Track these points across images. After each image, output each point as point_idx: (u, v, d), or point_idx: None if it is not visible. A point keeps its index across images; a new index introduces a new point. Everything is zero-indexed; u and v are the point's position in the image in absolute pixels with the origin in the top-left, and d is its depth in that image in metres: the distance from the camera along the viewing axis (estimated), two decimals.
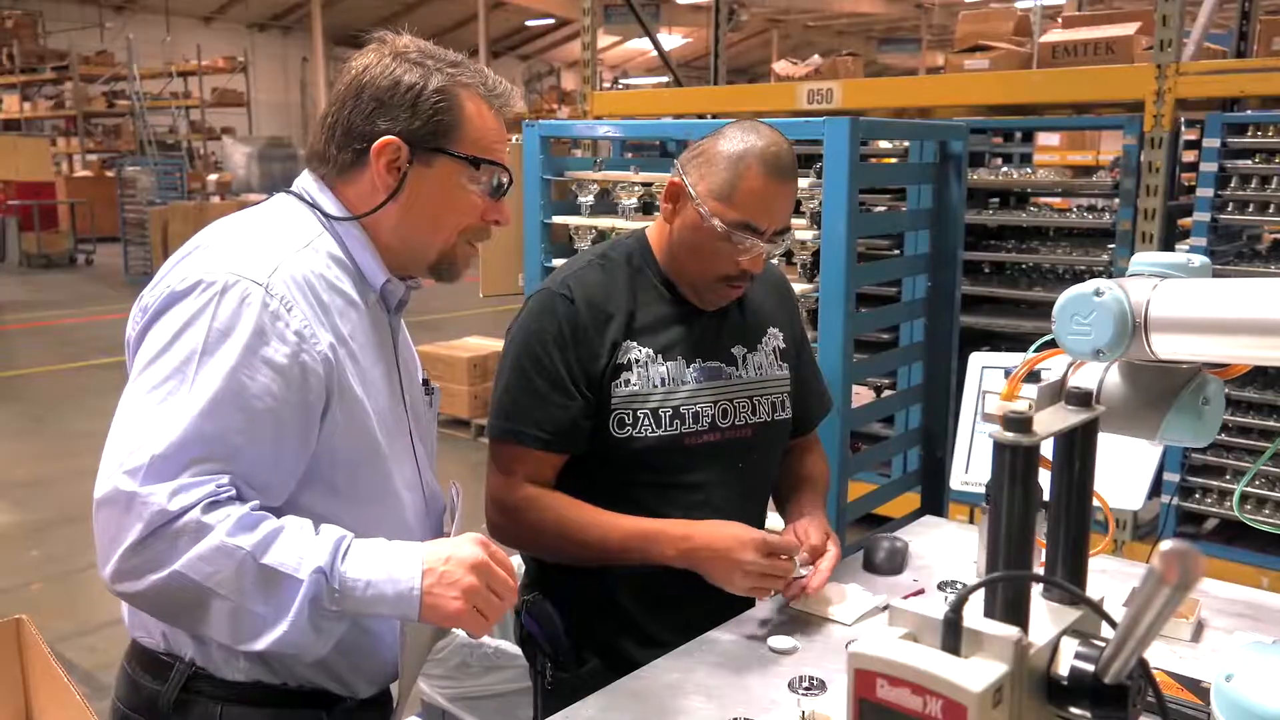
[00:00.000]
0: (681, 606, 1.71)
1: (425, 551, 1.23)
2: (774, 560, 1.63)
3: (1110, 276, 1.15)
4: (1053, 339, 1.20)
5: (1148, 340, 1.09)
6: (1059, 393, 1.11)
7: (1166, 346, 1.10)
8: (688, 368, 1.78)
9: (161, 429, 1.17)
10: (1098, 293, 1.10)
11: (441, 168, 1.36)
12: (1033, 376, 1.18)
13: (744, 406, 1.83)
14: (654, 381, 1.75)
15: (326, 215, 1.37)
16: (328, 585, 1.17)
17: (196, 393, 1.19)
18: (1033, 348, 1.23)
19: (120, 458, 1.19)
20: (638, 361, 1.74)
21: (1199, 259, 1.16)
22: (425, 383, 1.54)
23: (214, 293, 1.22)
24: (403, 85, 1.34)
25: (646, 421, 1.73)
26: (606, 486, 1.74)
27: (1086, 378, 1.19)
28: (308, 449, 1.27)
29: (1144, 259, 1.16)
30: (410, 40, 1.42)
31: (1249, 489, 3.82)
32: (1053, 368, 1.21)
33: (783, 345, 1.92)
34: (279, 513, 1.22)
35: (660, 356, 1.76)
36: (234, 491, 1.19)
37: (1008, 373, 1.20)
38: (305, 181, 1.41)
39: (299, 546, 1.18)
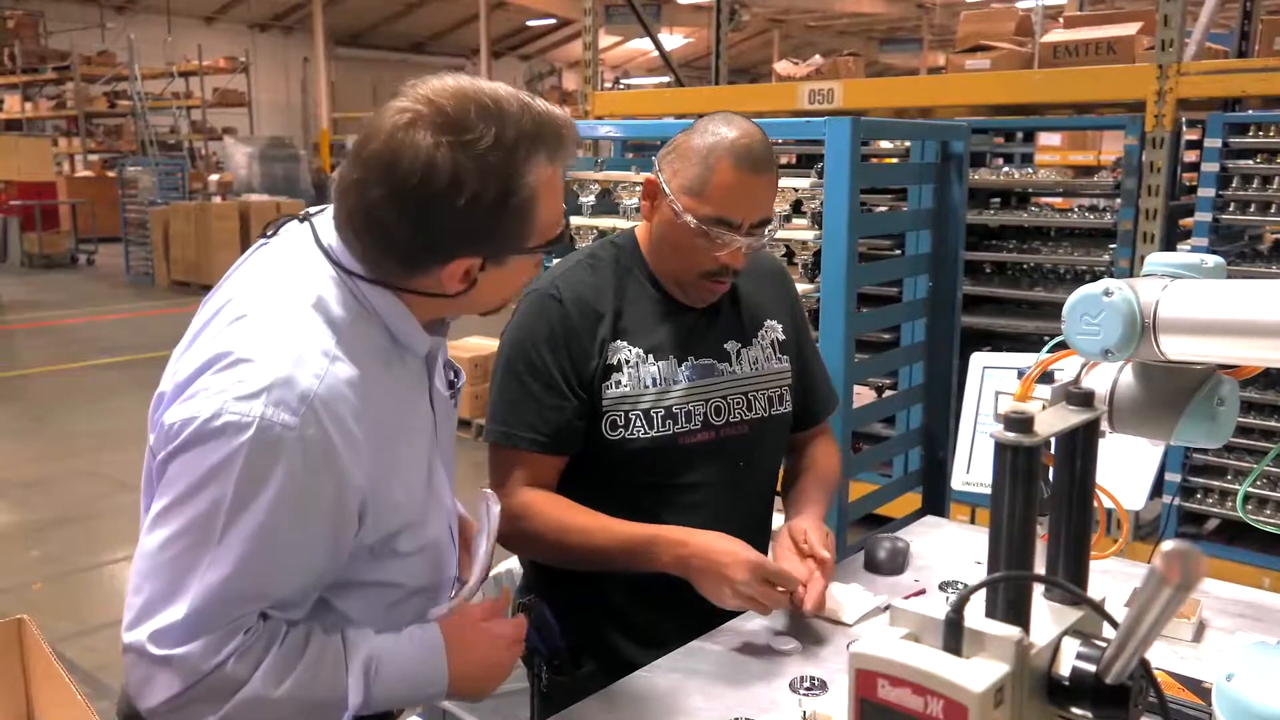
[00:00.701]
0: (679, 610, 1.70)
1: (455, 666, 1.29)
2: (766, 588, 1.57)
3: (1112, 277, 1.14)
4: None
5: (1156, 341, 1.09)
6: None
7: (1175, 348, 1.09)
8: (679, 367, 1.76)
9: (190, 590, 1.12)
10: (1107, 292, 1.10)
11: (514, 264, 1.26)
12: (1046, 377, 1.18)
13: (738, 403, 1.81)
14: (645, 382, 1.73)
15: (360, 277, 1.23)
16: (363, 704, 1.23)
17: (225, 552, 1.12)
18: (1046, 348, 1.23)
19: (147, 614, 1.13)
20: (627, 362, 1.73)
21: (1213, 259, 1.16)
22: (451, 384, 1.45)
23: (244, 441, 1.11)
24: (485, 200, 1.16)
25: (639, 423, 1.72)
26: (603, 490, 1.73)
27: (1100, 379, 1.19)
28: (338, 562, 1.23)
29: (1159, 259, 1.16)
30: (466, 105, 1.16)
31: (1252, 490, 3.82)
32: (1066, 368, 1.22)
33: (782, 337, 1.90)
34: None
35: (650, 356, 1.75)
36: (262, 621, 1.18)
37: (1021, 373, 1.19)
38: (333, 239, 1.24)
39: (332, 680, 1.21)
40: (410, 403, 1.30)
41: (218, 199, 13.75)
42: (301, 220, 1.31)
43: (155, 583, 1.13)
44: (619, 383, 1.72)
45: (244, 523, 1.12)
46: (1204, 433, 1.14)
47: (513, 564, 2.07)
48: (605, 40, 13.02)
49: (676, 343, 1.77)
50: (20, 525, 5.19)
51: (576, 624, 1.77)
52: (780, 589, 1.59)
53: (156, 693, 1.13)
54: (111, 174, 16.25)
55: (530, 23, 28.78)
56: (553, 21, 27.78)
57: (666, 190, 1.69)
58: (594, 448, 1.73)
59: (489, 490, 1.48)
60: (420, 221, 1.17)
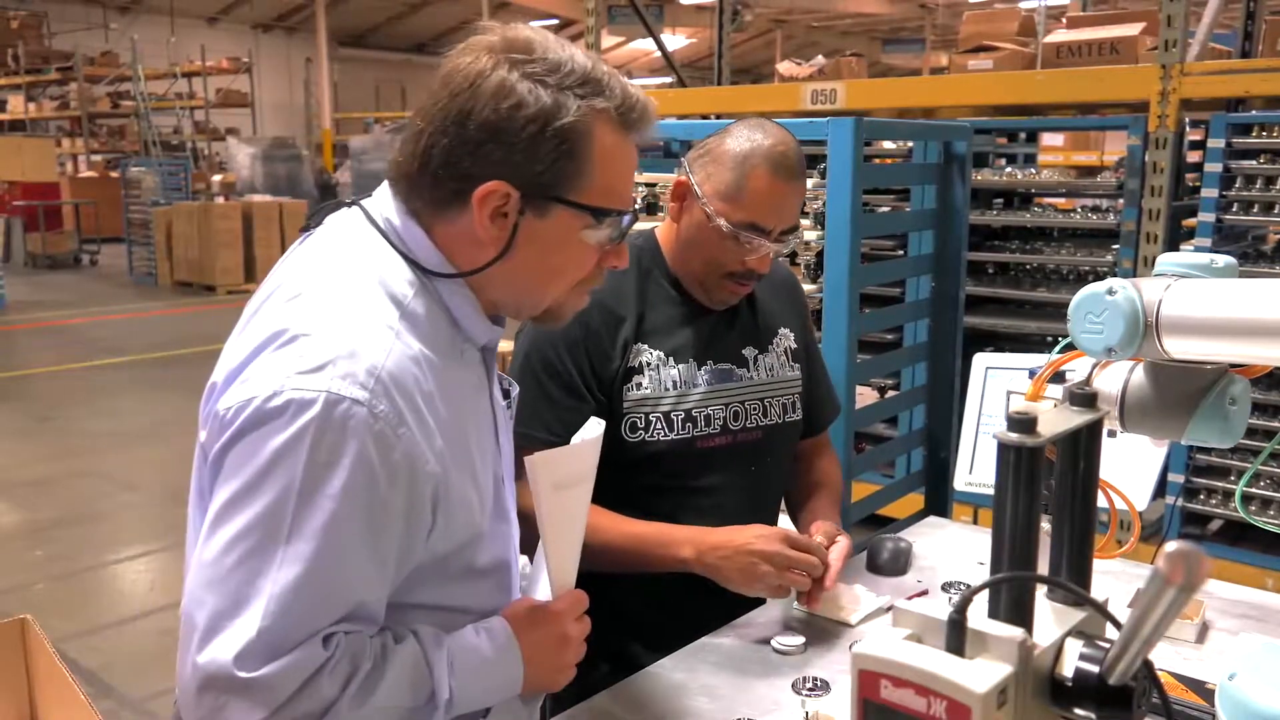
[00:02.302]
0: (690, 609, 1.71)
1: (527, 658, 1.21)
2: (801, 554, 1.60)
3: (1115, 277, 1.14)
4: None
5: (1160, 340, 1.09)
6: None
7: (1178, 347, 1.09)
8: (698, 370, 1.77)
9: (261, 599, 1.00)
10: (1110, 291, 1.10)
11: (558, 219, 1.14)
12: (1057, 378, 1.19)
13: (755, 409, 1.82)
14: (665, 385, 1.74)
15: (424, 269, 1.15)
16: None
17: (297, 549, 1.01)
18: (1058, 348, 1.23)
19: (213, 632, 1.00)
20: (649, 365, 1.74)
21: (1224, 259, 1.15)
22: (506, 393, 1.34)
23: (310, 419, 1.01)
24: (522, 116, 1.08)
25: (659, 425, 1.73)
26: (619, 491, 1.72)
27: (1111, 379, 1.19)
28: (409, 565, 1.13)
29: (1170, 259, 1.16)
30: (530, 39, 1.13)
31: (1256, 490, 3.81)
32: (1077, 369, 1.22)
33: (794, 346, 1.92)
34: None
35: (671, 359, 1.75)
36: (343, 636, 1.07)
37: (1032, 373, 1.20)
38: (389, 210, 1.17)
39: (420, 683, 1.11)
40: (474, 399, 1.21)
41: (220, 199, 13.76)
42: (350, 205, 1.22)
43: (219, 595, 1.00)
44: (640, 385, 1.73)
45: (316, 513, 1.01)
46: (1217, 432, 1.13)
47: (522, 564, 2.07)
48: (608, 40, 12.99)
49: (696, 346, 1.78)
50: (23, 525, 5.19)
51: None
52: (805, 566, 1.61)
53: (236, 715, 0.99)
54: (115, 174, 16.27)
55: (533, 23, 28.76)
56: (555, 22, 27.79)
57: (699, 193, 1.71)
58: (611, 450, 1.73)
59: (529, 457, 1.32)
60: (460, 126, 1.09)
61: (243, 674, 0.98)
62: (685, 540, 1.64)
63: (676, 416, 1.74)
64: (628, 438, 1.72)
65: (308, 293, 1.11)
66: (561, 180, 1.12)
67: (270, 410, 1.02)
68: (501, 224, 1.12)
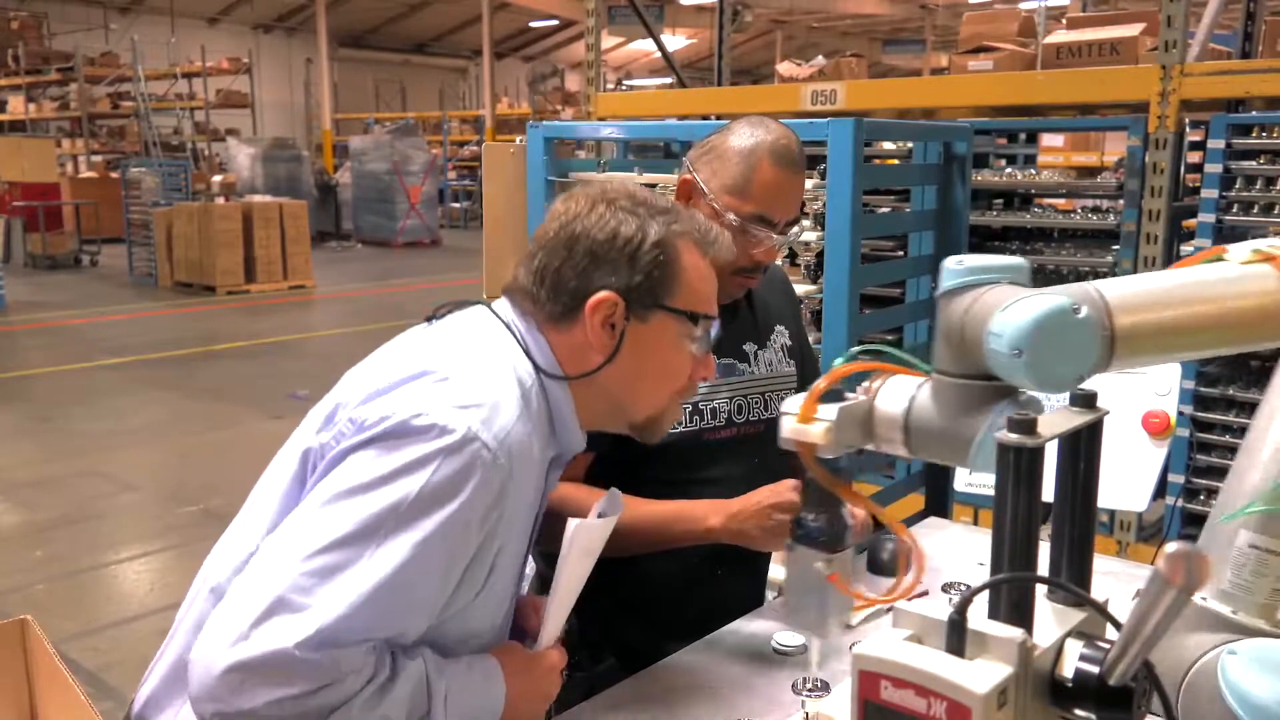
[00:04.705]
0: (698, 600, 1.72)
1: (510, 693, 1.26)
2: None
3: (1114, 277, 1.09)
4: (867, 349, 1.10)
5: (1114, 354, 0.98)
6: (867, 414, 1.07)
7: (1134, 360, 1.00)
8: None
9: (337, 594, 1.06)
10: (1075, 309, 0.94)
11: (658, 324, 1.29)
12: (833, 395, 1.08)
13: (757, 403, 1.85)
14: None
15: (540, 369, 1.28)
16: None
17: (383, 558, 1.08)
18: (839, 360, 1.10)
19: (278, 613, 1.05)
20: None
21: (1018, 259, 1.03)
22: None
23: (446, 445, 1.11)
24: (620, 237, 1.27)
25: None
26: (628, 485, 1.73)
27: (893, 397, 1.06)
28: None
29: (963, 264, 1.01)
30: (620, 185, 1.36)
31: None
32: (887, 383, 1.08)
33: (789, 342, 1.95)
34: None
35: None
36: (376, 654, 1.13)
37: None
38: (510, 315, 1.31)
39: (417, 709, 1.16)
40: (535, 500, 1.31)
41: (221, 200, 13.75)
42: (475, 305, 1.36)
43: (295, 578, 1.06)
44: None
45: (416, 530, 1.08)
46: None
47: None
48: (608, 41, 12.99)
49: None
50: (24, 525, 5.19)
51: (595, 618, 1.78)
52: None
53: (261, 693, 1.04)
54: (115, 175, 16.27)
55: (533, 24, 28.81)
56: (555, 23, 27.81)
57: (706, 189, 1.74)
58: (621, 443, 1.74)
59: (572, 521, 1.33)
60: (569, 251, 1.28)
61: (300, 653, 1.04)
62: (708, 511, 1.65)
63: (685, 409, 1.76)
64: None
65: (455, 350, 1.25)
66: (659, 288, 1.28)
67: (414, 427, 1.12)
68: (610, 332, 1.28)
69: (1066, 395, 0.98)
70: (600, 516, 1.34)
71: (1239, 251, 1.03)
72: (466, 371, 1.20)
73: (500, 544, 1.20)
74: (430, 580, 1.12)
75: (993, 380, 0.98)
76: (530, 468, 1.23)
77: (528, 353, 1.28)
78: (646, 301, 1.28)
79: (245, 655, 1.03)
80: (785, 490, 1.61)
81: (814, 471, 1.14)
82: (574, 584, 1.35)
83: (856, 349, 1.10)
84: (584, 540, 1.30)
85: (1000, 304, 0.94)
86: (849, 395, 1.08)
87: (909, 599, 0.95)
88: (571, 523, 1.26)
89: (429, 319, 1.36)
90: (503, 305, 1.34)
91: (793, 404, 1.09)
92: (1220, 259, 1.04)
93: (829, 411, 1.06)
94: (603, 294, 1.26)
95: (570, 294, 1.27)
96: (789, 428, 1.09)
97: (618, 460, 1.75)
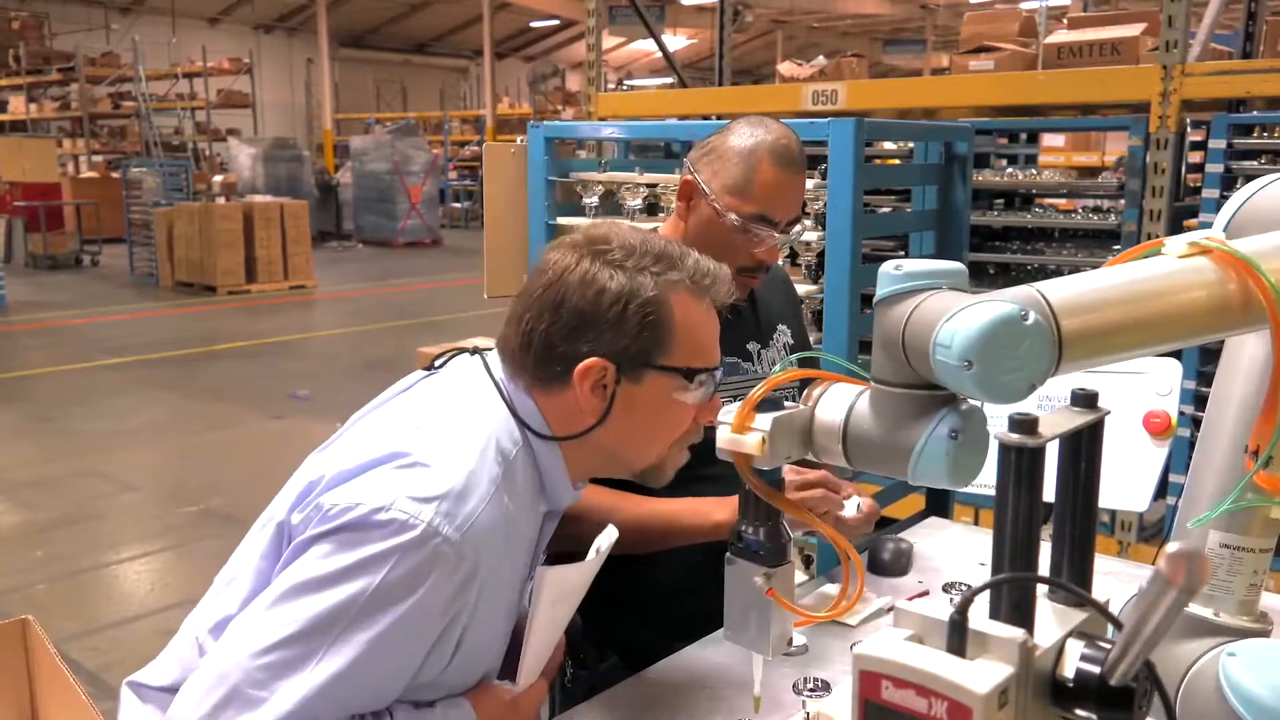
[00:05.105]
0: (700, 599, 1.72)
1: None
2: (815, 473, 1.59)
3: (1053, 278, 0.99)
4: (804, 357, 1.09)
5: (1060, 359, 0.94)
6: (807, 423, 1.05)
7: (1080, 363, 0.95)
8: None
9: (287, 691, 1.07)
10: (1024, 316, 0.89)
11: (652, 383, 1.25)
12: (771, 404, 1.06)
13: None
14: None
15: (529, 429, 1.26)
16: None
17: (340, 650, 1.09)
18: (777, 367, 1.10)
19: (237, 703, 1.07)
20: None
21: (956, 264, 0.99)
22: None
23: (405, 542, 1.09)
24: (607, 298, 1.22)
25: None
26: (631, 485, 1.74)
27: (833, 405, 1.04)
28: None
29: (901, 269, 0.97)
30: (606, 231, 1.29)
31: None
32: (837, 393, 1.05)
33: (791, 342, 1.96)
34: None
35: None
36: None
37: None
38: (501, 374, 1.29)
39: None
40: (525, 557, 1.30)
41: (221, 200, 13.75)
42: (472, 354, 1.34)
43: (249, 671, 1.08)
44: None
45: (371, 626, 1.09)
46: (942, 472, 0.95)
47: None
48: (609, 41, 13.00)
49: None
50: (25, 525, 5.20)
51: (597, 617, 1.78)
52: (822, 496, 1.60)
53: None
54: (116, 175, 16.28)
55: (534, 24, 28.82)
56: (556, 23, 27.81)
57: (707, 190, 1.75)
58: None
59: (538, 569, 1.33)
60: (554, 314, 1.23)
61: None
62: (715, 506, 1.66)
63: None
64: None
65: (432, 426, 1.22)
66: (650, 349, 1.24)
67: (374, 521, 1.10)
68: (601, 395, 1.24)
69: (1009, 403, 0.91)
70: (597, 552, 1.33)
71: (1175, 244, 1.01)
72: (437, 453, 1.17)
73: (468, 624, 1.18)
74: (387, 670, 1.13)
75: (933, 389, 0.96)
76: (511, 543, 1.22)
77: (516, 414, 1.26)
78: (638, 363, 1.24)
79: None
80: (788, 473, 1.59)
81: (750, 483, 1.11)
82: (550, 629, 1.33)
83: (795, 355, 1.08)
84: (554, 588, 1.27)
85: (944, 312, 0.91)
86: (788, 404, 1.06)
87: (909, 599, 0.95)
88: (540, 571, 1.24)
89: (428, 368, 1.35)
90: (495, 360, 1.31)
91: (728, 413, 1.07)
92: (1157, 251, 1.02)
93: (764, 421, 1.04)
94: (591, 360, 1.22)
95: (559, 360, 1.24)
96: (724, 438, 1.07)
97: None
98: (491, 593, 1.20)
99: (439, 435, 1.20)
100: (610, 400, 1.24)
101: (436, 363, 1.36)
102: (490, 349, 1.35)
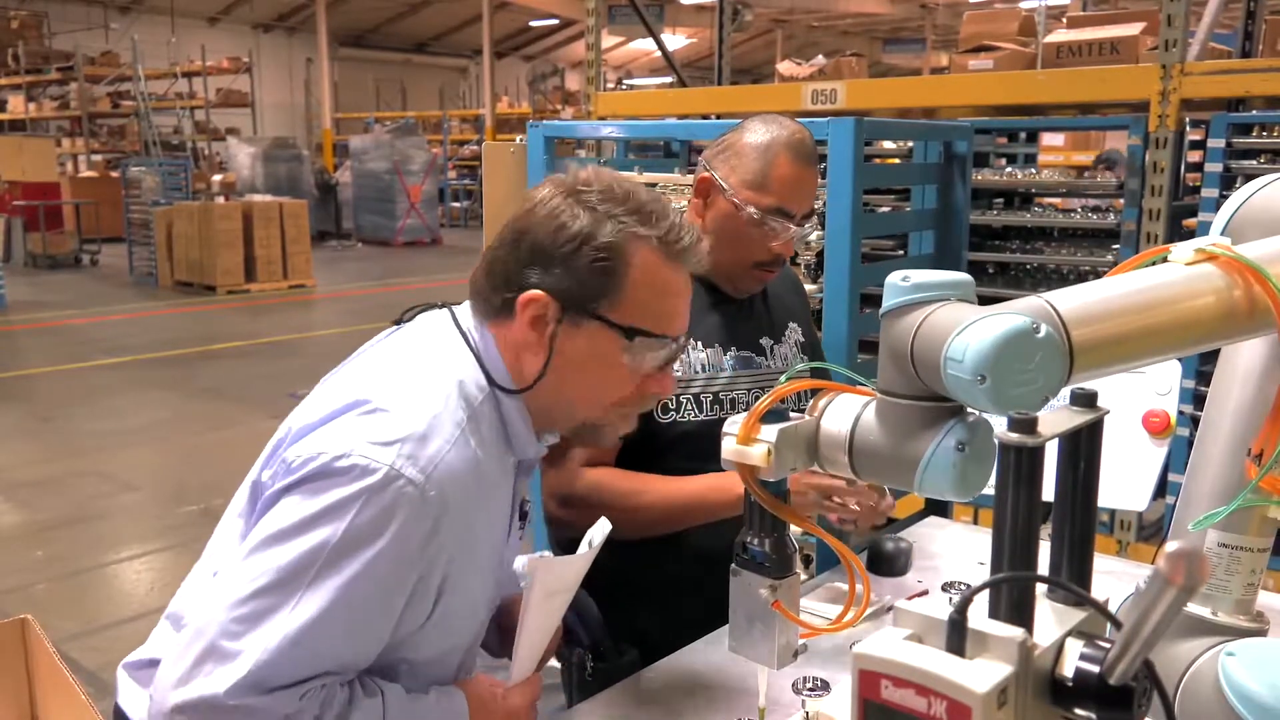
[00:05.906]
0: (723, 587, 1.72)
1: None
2: (831, 477, 1.61)
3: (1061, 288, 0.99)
4: (809, 368, 1.09)
5: (1072, 370, 0.94)
6: (812, 434, 1.04)
7: (1090, 374, 0.96)
8: (724, 355, 1.86)
9: (262, 640, 1.08)
10: (1036, 328, 0.89)
11: (592, 333, 1.22)
12: (777, 415, 1.05)
13: None
14: (695, 367, 1.82)
15: (494, 384, 1.24)
16: None
17: (312, 598, 1.09)
18: (783, 378, 1.10)
19: (210, 660, 1.08)
20: None
21: (963, 275, 0.99)
22: (523, 514, 1.41)
23: (367, 485, 1.10)
24: (565, 234, 1.20)
25: (689, 406, 1.80)
26: (651, 469, 1.78)
27: (839, 416, 1.03)
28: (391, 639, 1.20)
29: (911, 280, 0.96)
30: (595, 174, 1.26)
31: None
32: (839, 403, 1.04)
33: (802, 339, 2.01)
34: None
35: (699, 344, 1.84)
36: (314, 689, 1.12)
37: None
38: (469, 321, 1.28)
39: None
40: (500, 512, 1.29)
41: (221, 199, 13.75)
42: (440, 307, 1.33)
43: (224, 624, 1.08)
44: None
45: (341, 572, 1.09)
46: (949, 484, 0.95)
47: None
48: (608, 40, 13.00)
49: (722, 332, 1.87)
50: (24, 525, 5.20)
51: (617, 610, 1.78)
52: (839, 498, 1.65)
53: None
54: (115, 174, 16.28)
55: (533, 23, 28.81)
56: (556, 22, 27.81)
57: (725, 186, 1.79)
58: (642, 430, 1.75)
59: (529, 557, 1.30)
60: (515, 242, 1.23)
61: (230, 700, 1.06)
62: (738, 478, 1.66)
63: (705, 398, 1.82)
64: (660, 418, 1.78)
65: (395, 374, 1.22)
66: (595, 295, 1.21)
67: (336, 469, 1.11)
68: (541, 331, 1.21)
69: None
70: (589, 545, 1.33)
71: (1182, 251, 1.01)
72: (400, 399, 1.17)
73: (445, 573, 1.18)
74: (364, 619, 1.12)
75: (940, 400, 0.95)
76: (481, 489, 1.20)
77: (482, 365, 1.25)
78: (579, 307, 1.21)
79: (184, 699, 1.07)
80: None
81: (756, 494, 1.11)
82: (543, 621, 1.32)
83: (801, 365, 1.08)
84: (546, 579, 1.26)
85: (953, 325, 0.90)
86: (793, 415, 1.06)
87: (909, 598, 0.95)
88: (520, 560, 1.25)
89: (396, 322, 1.35)
90: (465, 312, 1.30)
91: (734, 424, 1.07)
92: (1164, 259, 1.02)
93: (770, 433, 1.03)
94: (534, 292, 1.20)
95: (507, 287, 1.23)
96: (729, 449, 1.07)
97: (642, 448, 1.78)
98: (467, 544, 1.19)
99: (400, 381, 1.20)
100: (551, 342, 1.21)
101: (404, 317, 1.35)
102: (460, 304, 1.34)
